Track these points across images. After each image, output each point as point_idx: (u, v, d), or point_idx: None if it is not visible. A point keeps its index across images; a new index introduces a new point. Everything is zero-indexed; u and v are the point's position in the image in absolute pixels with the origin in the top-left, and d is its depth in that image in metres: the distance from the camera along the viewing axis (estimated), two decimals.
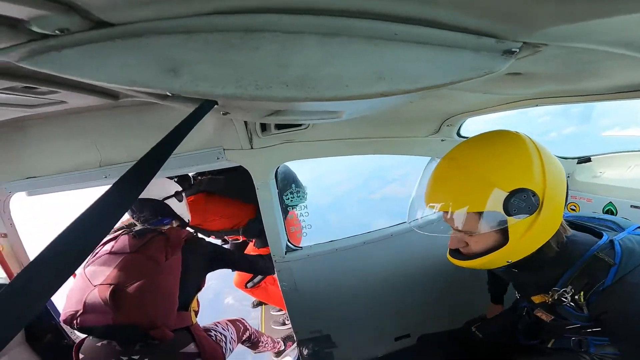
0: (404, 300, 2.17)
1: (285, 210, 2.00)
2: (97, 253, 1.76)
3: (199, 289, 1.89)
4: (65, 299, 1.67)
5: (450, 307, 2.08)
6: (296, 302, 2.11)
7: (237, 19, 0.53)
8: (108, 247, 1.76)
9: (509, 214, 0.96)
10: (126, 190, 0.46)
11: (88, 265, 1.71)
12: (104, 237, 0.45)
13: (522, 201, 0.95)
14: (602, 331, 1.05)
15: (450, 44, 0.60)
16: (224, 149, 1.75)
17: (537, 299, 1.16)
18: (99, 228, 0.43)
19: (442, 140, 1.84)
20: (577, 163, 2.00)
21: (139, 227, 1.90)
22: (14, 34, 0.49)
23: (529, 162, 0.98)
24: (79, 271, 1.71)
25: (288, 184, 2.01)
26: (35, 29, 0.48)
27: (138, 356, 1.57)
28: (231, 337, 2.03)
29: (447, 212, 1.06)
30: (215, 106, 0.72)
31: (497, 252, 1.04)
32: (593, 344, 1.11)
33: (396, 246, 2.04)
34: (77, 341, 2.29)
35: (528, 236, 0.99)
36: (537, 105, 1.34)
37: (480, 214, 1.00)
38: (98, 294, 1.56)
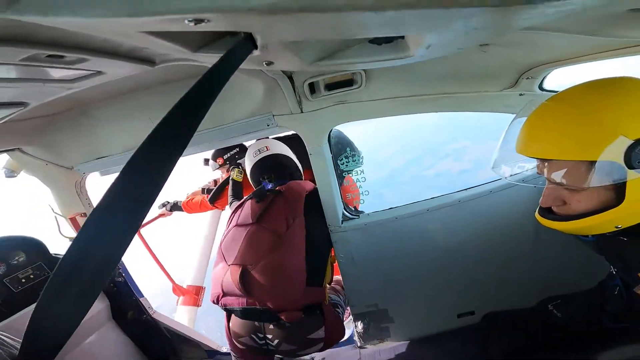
0: (470, 274, 1.98)
1: (340, 176, 1.89)
2: (230, 224, 1.82)
3: (331, 248, 1.87)
4: (211, 278, 1.77)
5: (523, 283, 1.86)
6: (353, 275, 2.02)
7: None
8: (235, 217, 1.81)
9: (631, 167, 0.77)
10: (166, 152, 0.46)
11: (223, 242, 1.79)
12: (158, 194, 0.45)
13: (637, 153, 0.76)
14: None
15: None
16: (273, 115, 1.68)
17: None
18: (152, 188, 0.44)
19: (521, 95, 1.56)
20: None
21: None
22: None
23: None
24: (219, 248, 1.80)
25: (342, 148, 1.88)
26: None
27: (271, 335, 1.62)
28: (343, 301, 2.03)
29: (545, 161, 0.88)
30: (256, 55, 0.62)
31: (605, 213, 0.85)
32: None
33: (463, 213, 1.84)
34: (154, 316, 2.49)
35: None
36: None
37: (592, 164, 0.80)
38: (231, 276, 1.62)
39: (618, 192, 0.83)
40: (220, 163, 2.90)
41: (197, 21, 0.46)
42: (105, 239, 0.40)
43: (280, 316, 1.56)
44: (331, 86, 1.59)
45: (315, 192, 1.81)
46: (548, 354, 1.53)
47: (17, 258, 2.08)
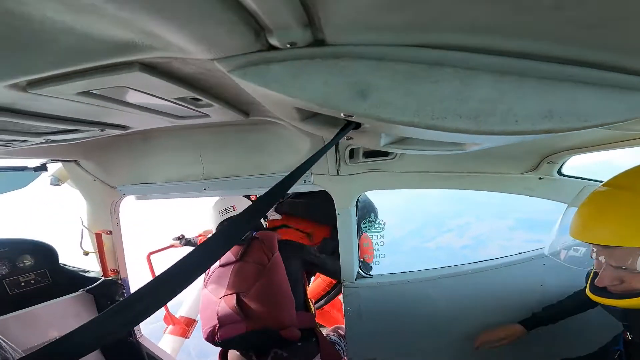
0: (473, 343, 2.00)
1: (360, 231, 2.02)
2: (209, 271, 1.91)
3: (305, 289, 1.98)
4: (201, 316, 1.85)
5: (525, 352, 1.90)
6: (357, 328, 2.07)
7: (423, 52, 0.58)
8: (216, 262, 1.92)
9: None
10: (264, 202, 0.55)
11: (207, 284, 1.87)
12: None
13: None
14: None
15: (621, 85, 0.61)
16: (312, 173, 1.83)
17: None
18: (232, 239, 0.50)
19: (540, 179, 1.72)
20: None
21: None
22: (252, 42, 0.54)
23: None
24: (203, 292, 1.88)
25: (367, 213, 2.03)
26: (272, 39, 0.53)
27: None
28: (343, 343, 2.10)
29: (604, 246, 0.98)
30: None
31: None
32: None
33: (471, 284, 1.94)
34: (140, 339, 2.46)
35: None
36: None
37: None
38: (226, 304, 1.70)
39: None
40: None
41: (348, 116, 0.62)
42: (182, 278, 0.42)
43: (280, 333, 1.64)
44: (368, 154, 1.76)
45: (281, 242, 1.98)
46: None
47: (24, 261, 2.11)
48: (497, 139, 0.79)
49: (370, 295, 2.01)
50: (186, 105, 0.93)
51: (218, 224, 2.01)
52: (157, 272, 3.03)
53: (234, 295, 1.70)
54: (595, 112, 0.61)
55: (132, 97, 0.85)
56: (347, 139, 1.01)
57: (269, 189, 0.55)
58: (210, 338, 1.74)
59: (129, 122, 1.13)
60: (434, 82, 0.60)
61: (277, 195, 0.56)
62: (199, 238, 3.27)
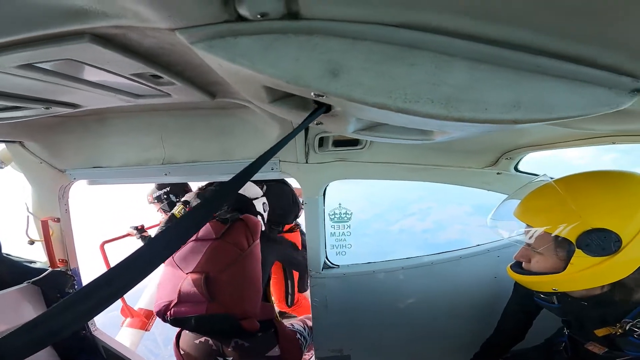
0: (435, 331, 2.12)
1: None
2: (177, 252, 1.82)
3: (269, 279, 1.98)
4: (157, 288, 1.75)
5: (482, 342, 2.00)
6: (323, 319, 2.08)
7: (401, 33, 0.56)
8: (175, 252, 1.82)
9: (578, 247, 0.99)
10: (231, 186, 0.52)
11: (175, 255, 1.78)
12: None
13: (599, 241, 0.97)
14: None
15: (587, 80, 0.63)
16: (279, 160, 1.79)
17: (601, 332, 1.15)
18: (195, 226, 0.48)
19: (498, 174, 1.82)
20: None
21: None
22: (219, 11, 0.50)
23: (633, 206, 0.98)
24: (168, 262, 1.78)
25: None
26: (241, 9, 0.49)
27: (231, 358, 1.63)
28: (307, 333, 2.10)
29: (529, 227, 1.11)
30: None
31: (548, 276, 1.08)
32: None
33: (435, 275, 2.00)
34: (95, 333, 2.32)
35: (588, 273, 1.01)
36: (613, 143, 1.31)
37: (554, 236, 1.04)
38: (192, 282, 1.61)
39: (565, 262, 1.04)
40: (149, 200, 3.08)
41: (318, 96, 0.59)
42: (140, 268, 0.40)
43: (241, 323, 1.60)
44: (338, 143, 1.75)
45: (263, 235, 1.95)
46: None
47: None
48: (465, 127, 0.80)
49: (336, 286, 2.02)
50: (145, 82, 0.85)
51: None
52: (112, 263, 2.90)
53: (202, 275, 1.63)
54: (559, 105, 0.63)
55: (82, 71, 0.77)
56: (317, 124, 0.98)
57: (234, 175, 0.51)
58: (162, 313, 1.65)
59: (79, 100, 1.03)
60: (409, 65, 0.58)
61: (242, 181, 0.53)
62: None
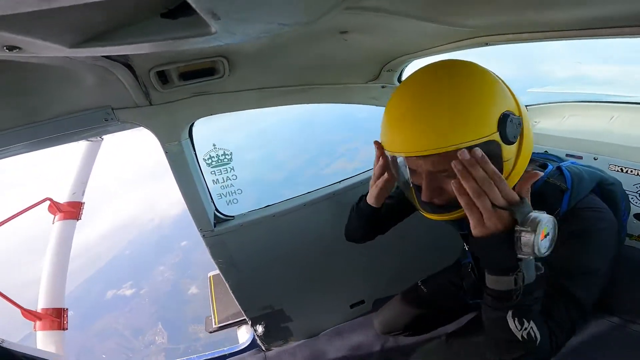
0: (354, 265, 2.05)
1: None
2: None
3: None
4: None
5: (403, 268, 1.99)
6: (237, 279, 1.90)
7: None
8: None
9: (506, 141, 0.80)
10: None
11: None
12: None
13: (513, 125, 0.81)
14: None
15: None
16: (112, 109, 1.40)
17: None
18: None
19: (383, 87, 1.66)
20: None
21: None
22: None
23: (500, 86, 0.86)
24: None
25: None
26: None
27: None
28: None
29: (425, 157, 0.83)
30: None
31: None
32: None
33: (339, 206, 1.85)
34: (3, 345, 1.87)
35: (518, 167, 0.86)
36: (486, 45, 1.14)
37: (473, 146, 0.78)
38: None
39: (499, 165, 0.83)
40: None
41: None
42: None
43: None
44: (187, 75, 1.37)
45: None
46: (423, 327, 1.67)
47: None
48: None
49: (237, 240, 1.81)
50: None
51: None
52: None
53: None
54: None
55: None
56: (10, 50, 0.58)
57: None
58: None
59: None
60: None
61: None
62: None
